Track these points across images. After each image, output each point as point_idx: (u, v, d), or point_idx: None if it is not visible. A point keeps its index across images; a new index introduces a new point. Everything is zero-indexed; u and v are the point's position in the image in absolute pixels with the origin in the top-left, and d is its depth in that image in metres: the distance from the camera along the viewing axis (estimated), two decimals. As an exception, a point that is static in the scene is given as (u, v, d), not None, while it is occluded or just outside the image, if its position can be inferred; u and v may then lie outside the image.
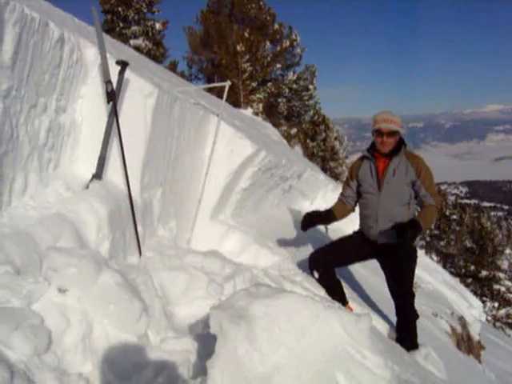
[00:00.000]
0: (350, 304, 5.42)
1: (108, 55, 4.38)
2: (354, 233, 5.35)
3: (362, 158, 5.15)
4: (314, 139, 29.32)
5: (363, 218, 5.15)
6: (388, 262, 5.04)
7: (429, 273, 10.72)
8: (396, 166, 4.82)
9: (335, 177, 26.11)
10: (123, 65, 4.41)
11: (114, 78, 4.30)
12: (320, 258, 5.30)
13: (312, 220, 5.42)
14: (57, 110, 4.01)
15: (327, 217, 5.42)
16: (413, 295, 5.02)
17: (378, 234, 4.92)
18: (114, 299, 3.07)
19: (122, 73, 4.40)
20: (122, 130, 4.29)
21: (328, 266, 5.32)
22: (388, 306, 5.64)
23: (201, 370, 2.90)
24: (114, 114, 4.26)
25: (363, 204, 5.13)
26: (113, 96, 4.20)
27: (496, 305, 31.61)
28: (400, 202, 4.83)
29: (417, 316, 5.06)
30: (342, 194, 5.38)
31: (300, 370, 2.37)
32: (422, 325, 5.99)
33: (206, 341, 3.24)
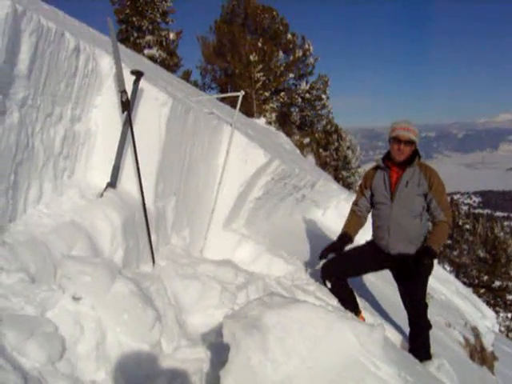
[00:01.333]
0: (363, 314, 5.40)
1: (123, 65, 4.41)
2: (367, 243, 5.33)
3: (376, 168, 5.14)
4: (326, 149, 29.33)
5: (376, 228, 5.14)
6: (401, 272, 5.02)
7: (442, 283, 10.65)
8: (409, 177, 4.80)
9: (348, 186, 26.08)
10: (138, 74, 4.44)
11: (129, 88, 4.33)
12: (333, 268, 5.28)
13: (330, 251, 5.36)
14: (72, 119, 4.05)
15: (344, 244, 5.33)
16: (426, 306, 4.99)
17: (391, 244, 4.92)
18: (127, 307, 3.09)
19: (136, 82, 4.44)
20: (136, 139, 4.31)
21: (341, 276, 5.30)
22: (401, 316, 5.61)
23: (214, 379, 2.91)
24: (128, 123, 4.29)
25: (376, 214, 5.12)
26: (127, 105, 4.22)
27: (509, 315, 31.39)
28: (412, 213, 4.81)
29: (430, 326, 5.03)
30: (355, 204, 5.36)
31: (313, 380, 2.37)
32: (435, 335, 5.95)
33: (219, 350, 3.24)
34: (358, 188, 5.64)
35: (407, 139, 4.75)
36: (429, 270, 4.94)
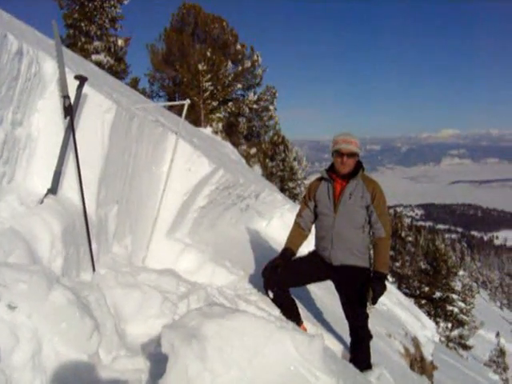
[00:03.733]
0: (305, 324, 5.43)
1: (67, 70, 4.34)
2: (310, 253, 5.36)
3: (321, 179, 5.18)
4: (273, 159, 29.50)
5: (318, 239, 5.17)
6: (342, 283, 5.07)
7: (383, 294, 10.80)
8: (353, 189, 4.86)
9: (294, 197, 26.25)
10: (82, 80, 4.37)
11: (73, 93, 4.26)
12: (275, 278, 5.29)
13: (273, 269, 5.35)
14: (13, 123, 3.95)
15: (286, 261, 5.27)
16: (367, 316, 5.05)
17: (333, 255, 4.96)
18: (65, 317, 3.01)
19: (80, 88, 4.37)
20: (78, 145, 4.24)
21: (283, 286, 5.32)
22: (342, 326, 5.66)
23: (152, 390, 2.87)
24: (70, 129, 4.21)
25: (319, 225, 5.16)
26: (70, 111, 4.15)
27: (449, 326, 32.05)
28: (355, 225, 4.88)
29: (370, 336, 5.09)
30: (299, 215, 5.38)
31: (252, 391, 2.37)
32: (376, 345, 6.03)
33: (158, 360, 3.21)
34: (301, 199, 5.68)
35: (349, 152, 4.82)
36: (383, 292, 4.96)
